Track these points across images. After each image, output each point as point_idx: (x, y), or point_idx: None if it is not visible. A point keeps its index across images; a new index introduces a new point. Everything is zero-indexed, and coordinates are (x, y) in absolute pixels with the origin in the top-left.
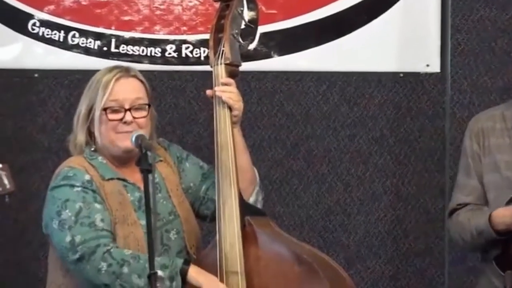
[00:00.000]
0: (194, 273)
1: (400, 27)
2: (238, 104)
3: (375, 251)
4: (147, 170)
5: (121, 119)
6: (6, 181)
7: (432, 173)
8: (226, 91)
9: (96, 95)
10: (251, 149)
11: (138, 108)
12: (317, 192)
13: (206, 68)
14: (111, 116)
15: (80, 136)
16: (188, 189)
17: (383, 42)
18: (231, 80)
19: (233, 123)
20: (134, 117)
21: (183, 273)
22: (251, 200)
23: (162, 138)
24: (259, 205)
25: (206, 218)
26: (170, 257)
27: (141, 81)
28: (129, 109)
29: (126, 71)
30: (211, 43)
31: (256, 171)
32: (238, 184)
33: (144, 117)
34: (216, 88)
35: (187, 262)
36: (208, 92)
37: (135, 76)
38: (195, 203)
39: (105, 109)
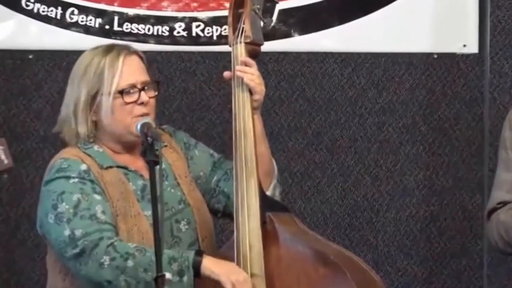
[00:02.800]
0: (209, 264)
1: (434, 2)
2: (260, 87)
3: (407, 252)
4: (154, 162)
5: (136, 101)
6: (3, 157)
7: (469, 165)
8: (248, 72)
9: (101, 78)
10: (268, 138)
11: (149, 88)
12: (342, 186)
13: (219, 48)
14: (128, 98)
15: (82, 126)
16: (197, 179)
17: (415, 20)
18: (251, 61)
19: (253, 109)
20: (148, 97)
21: (196, 266)
22: (268, 193)
23: (167, 125)
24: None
25: (218, 213)
26: (180, 249)
27: (142, 57)
28: (143, 89)
29: (127, 49)
30: (229, 19)
31: (274, 162)
32: (259, 176)
33: (155, 96)
34: (236, 68)
35: (199, 253)
36: (226, 74)
37: (136, 53)
38: (205, 196)
39: (120, 92)
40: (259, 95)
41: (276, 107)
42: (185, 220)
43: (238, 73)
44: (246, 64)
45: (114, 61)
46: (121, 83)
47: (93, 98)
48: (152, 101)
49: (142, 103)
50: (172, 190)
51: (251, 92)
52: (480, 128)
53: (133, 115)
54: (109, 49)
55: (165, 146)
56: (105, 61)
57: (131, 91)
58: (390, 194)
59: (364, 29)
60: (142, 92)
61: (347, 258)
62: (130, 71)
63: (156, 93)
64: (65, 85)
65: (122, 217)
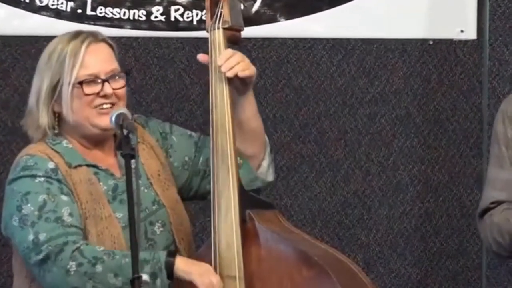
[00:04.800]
0: (182, 264)
1: None
2: (252, 70)
3: (400, 252)
4: (130, 155)
5: (98, 93)
6: None
7: (467, 159)
8: (235, 65)
9: (62, 67)
10: None
11: (115, 78)
12: (331, 181)
13: (199, 34)
14: (88, 89)
15: (43, 117)
16: (184, 165)
17: (409, 4)
18: (228, 51)
19: (246, 85)
20: (113, 89)
21: (169, 267)
22: (264, 163)
23: (138, 114)
24: (271, 170)
25: (209, 195)
26: (151, 251)
27: (111, 45)
28: (107, 80)
29: (94, 36)
30: (207, 3)
31: (267, 138)
32: (238, 171)
33: (123, 87)
34: (223, 68)
35: (172, 254)
36: (201, 56)
37: (104, 41)
38: (194, 180)
39: (80, 83)
40: (253, 76)
41: (261, 97)
42: (160, 221)
43: (228, 73)
44: (227, 58)
45: (77, 49)
46: (82, 72)
47: (55, 88)
48: (121, 91)
49: (104, 96)
50: (145, 190)
51: (229, 81)
52: (479, 119)
53: (93, 107)
54: (74, 35)
55: (138, 142)
56: (67, 48)
57: (93, 82)
58: (382, 190)
59: (354, 14)
60: (106, 84)
61: (334, 259)
62: (93, 60)
63: (124, 83)
64: (34, 73)
65: (92, 220)
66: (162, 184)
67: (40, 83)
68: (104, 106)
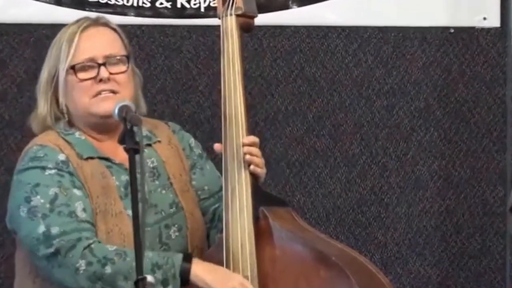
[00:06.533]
0: (200, 271)
1: None
2: (264, 171)
3: (419, 251)
4: (133, 150)
5: (95, 77)
6: None
7: (490, 154)
8: (256, 156)
9: (59, 53)
10: (263, 123)
11: (115, 62)
12: (347, 177)
13: (207, 21)
14: (82, 75)
15: (42, 107)
16: (198, 190)
17: None
18: (255, 139)
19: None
20: (110, 73)
21: (185, 273)
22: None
23: (172, 122)
24: None
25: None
26: (165, 254)
27: (114, 29)
28: (103, 64)
29: (94, 20)
30: None
31: None
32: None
33: (123, 72)
34: (245, 149)
35: (188, 258)
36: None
37: (105, 25)
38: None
39: (72, 67)
40: (262, 177)
41: (272, 88)
42: (176, 225)
43: (247, 157)
44: (251, 144)
45: (74, 32)
46: (77, 57)
47: (54, 75)
48: (121, 77)
49: (101, 81)
50: (164, 192)
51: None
52: (502, 111)
53: (91, 94)
54: (75, 22)
55: (159, 141)
56: (65, 35)
57: (88, 65)
58: (400, 187)
59: (371, 0)
60: (102, 67)
61: (352, 259)
62: (89, 44)
63: (125, 68)
64: (33, 62)
65: (102, 216)
66: (182, 185)
67: (42, 74)
68: (103, 93)
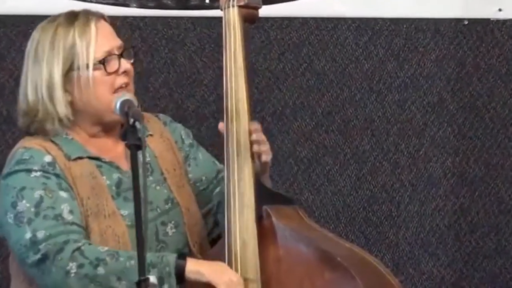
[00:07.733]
0: (194, 266)
1: None
2: (270, 156)
3: (432, 251)
4: (136, 146)
5: (117, 70)
6: None
7: (505, 150)
8: (263, 144)
9: (73, 51)
10: (270, 118)
11: (126, 54)
12: (357, 174)
13: (212, 13)
14: (110, 68)
15: (62, 108)
16: (196, 182)
17: None
18: (259, 125)
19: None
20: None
21: (180, 271)
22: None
23: (163, 114)
24: None
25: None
26: (159, 253)
27: (107, 20)
28: (121, 55)
29: (94, 14)
30: None
31: None
32: (254, 163)
33: (133, 63)
34: (253, 138)
35: (182, 257)
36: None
37: (104, 18)
38: (199, 201)
39: (101, 61)
40: (268, 162)
41: (280, 82)
42: (173, 222)
43: (255, 147)
44: (257, 131)
45: (85, 28)
46: (100, 51)
47: (66, 76)
48: (132, 69)
49: (124, 72)
50: (158, 188)
51: (247, 66)
52: None
53: (115, 88)
54: (73, 17)
55: (150, 135)
56: (74, 31)
57: (110, 59)
58: (412, 184)
59: None
60: (122, 59)
61: (360, 259)
62: (103, 37)
63: (133, 59)
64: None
65: (95, 217)
66: (177, 180)
67: (49, 73)
68: (121, 88)
